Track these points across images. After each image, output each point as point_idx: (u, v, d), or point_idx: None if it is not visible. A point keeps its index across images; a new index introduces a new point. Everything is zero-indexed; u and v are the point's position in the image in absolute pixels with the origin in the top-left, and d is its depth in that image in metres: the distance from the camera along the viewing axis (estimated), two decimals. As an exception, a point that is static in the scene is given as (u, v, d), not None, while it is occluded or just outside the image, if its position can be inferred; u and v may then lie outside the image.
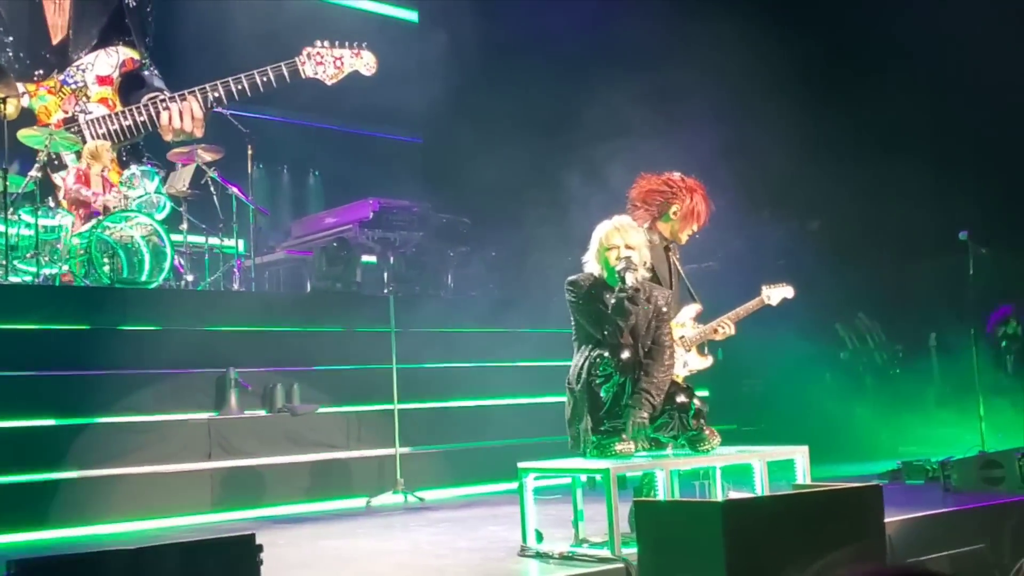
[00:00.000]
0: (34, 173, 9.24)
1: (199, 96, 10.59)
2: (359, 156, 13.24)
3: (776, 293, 6.25)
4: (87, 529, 7.23)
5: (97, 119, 10.82)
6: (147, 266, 9.09)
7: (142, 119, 10.68)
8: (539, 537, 5.27)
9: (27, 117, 10.30)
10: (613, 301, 5.13)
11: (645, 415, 5.11)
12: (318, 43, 10.55)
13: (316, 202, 13.11)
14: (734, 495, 5.23)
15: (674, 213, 5.78)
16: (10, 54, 10.98)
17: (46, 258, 8.92)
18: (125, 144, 10.98)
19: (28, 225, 8.87)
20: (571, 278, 5.33)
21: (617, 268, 5.14)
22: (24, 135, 9.46)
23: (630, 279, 5.11)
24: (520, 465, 5.21)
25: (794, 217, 12.40)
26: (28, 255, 8.82)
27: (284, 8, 12.00)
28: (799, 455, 5.46)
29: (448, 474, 8.99)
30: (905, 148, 11.06)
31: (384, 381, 8.63)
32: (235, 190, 10.34)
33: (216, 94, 10.58)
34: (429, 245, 11.53)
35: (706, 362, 6.01)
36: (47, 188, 9.86)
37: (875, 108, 11.55)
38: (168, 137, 10.68)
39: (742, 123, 10.73)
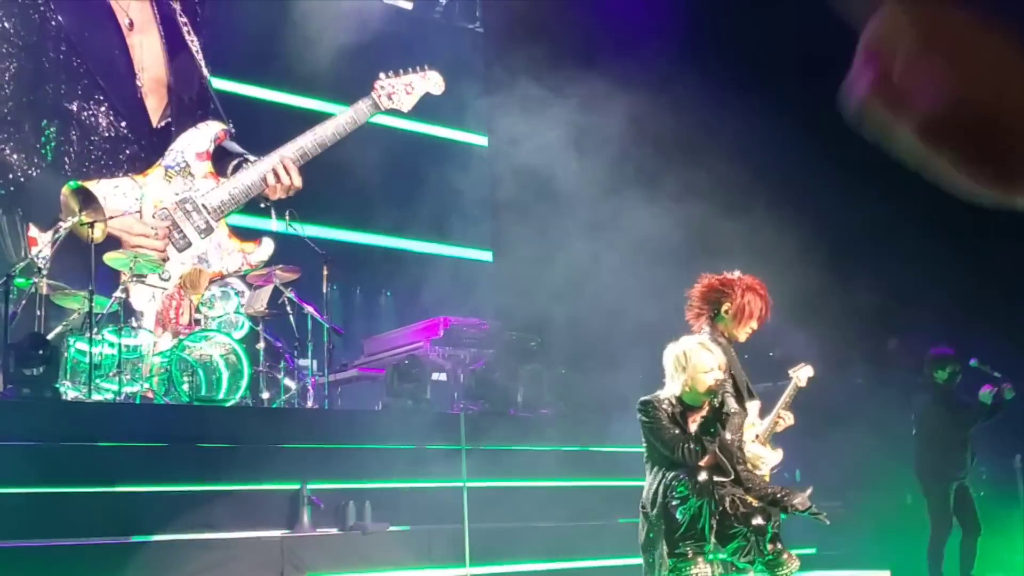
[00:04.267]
0: (118, 294, 9.47)
1: (290, 150, 10.88)
2: (431, 276, 13.42)
3: (802, 374, 6.35)
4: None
5: (209, 194, 11.02)
6: (224, 384, 9.26)
7: (249, 182, 10.89)
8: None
9: (112, 242, 10.59)
10: (701, 422, 5.13)
11: (760, 520, 5.06)
12: (382, 76, 10.89)
13: (388, 321, 13.26)
14: (814, 621, 5.12)
15: (726, 312, 5.74)
16: (135, 147, 11.25)
17: (127, 376, 9.12)
18: (240, 207, 11.11)
19: (111, 344, 9.11)
20: (644, 399, 5.31)
21: (717, 391, 5.15)
22: (110, 258, 9.73)
23: (732, 404, 5.13)
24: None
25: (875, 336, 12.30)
26: (111, 374, 9.03)
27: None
28: (881, 580, 5.35)
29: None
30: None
31: (454, 499, 8.59)
32: (311, 309, 10.52)
33: (302, 147, 10.87)
34: (499, 362, 11.56)
35: (779, 455, 6.05)
36: (130, 310, 10.10)
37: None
38: (276, 196, 10.85)
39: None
